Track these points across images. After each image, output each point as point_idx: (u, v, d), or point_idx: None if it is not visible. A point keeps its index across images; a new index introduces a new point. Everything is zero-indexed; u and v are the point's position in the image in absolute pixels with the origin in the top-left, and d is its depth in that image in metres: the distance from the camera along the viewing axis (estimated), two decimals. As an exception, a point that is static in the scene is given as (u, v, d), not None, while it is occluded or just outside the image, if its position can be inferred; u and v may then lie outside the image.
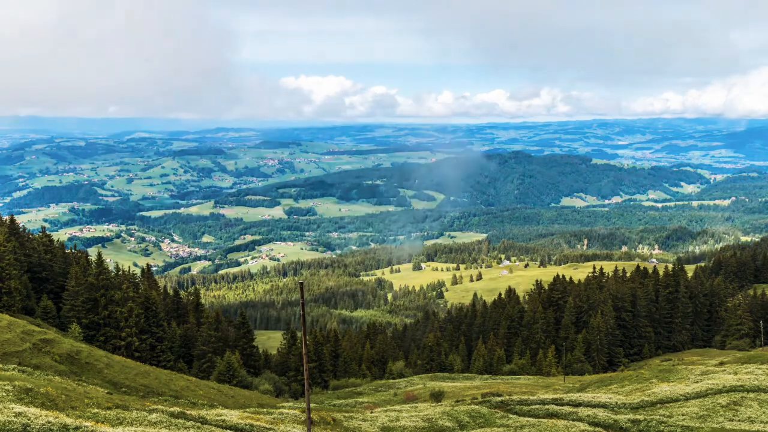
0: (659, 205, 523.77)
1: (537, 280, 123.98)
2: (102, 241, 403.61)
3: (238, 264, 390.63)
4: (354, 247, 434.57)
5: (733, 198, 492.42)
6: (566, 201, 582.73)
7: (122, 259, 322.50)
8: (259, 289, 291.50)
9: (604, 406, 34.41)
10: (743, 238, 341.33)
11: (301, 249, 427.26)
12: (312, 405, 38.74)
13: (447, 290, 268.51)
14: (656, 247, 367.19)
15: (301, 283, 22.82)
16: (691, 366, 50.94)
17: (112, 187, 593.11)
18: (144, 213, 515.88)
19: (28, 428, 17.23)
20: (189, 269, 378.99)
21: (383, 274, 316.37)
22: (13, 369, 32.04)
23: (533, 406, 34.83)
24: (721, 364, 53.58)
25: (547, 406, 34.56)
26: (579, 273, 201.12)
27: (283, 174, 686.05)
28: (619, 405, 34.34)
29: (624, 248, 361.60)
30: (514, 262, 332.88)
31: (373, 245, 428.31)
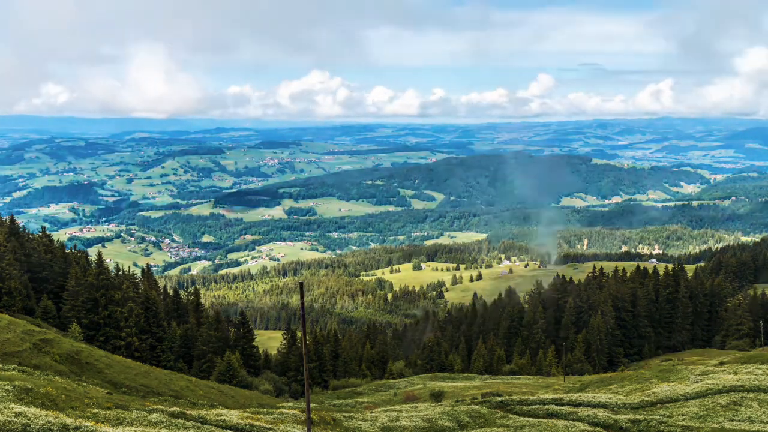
0: (659, 205, 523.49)
1: (537, 280, 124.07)
2: (102, 241, 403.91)
3: (238, 264, 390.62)
4: (354, 247, 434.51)
5: (733, 198, 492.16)
6: (566, 201, 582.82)
7: (122, 259, 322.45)
8: (259, 289, 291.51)
9: (604, 406, 34.40)
10: (743, 238, 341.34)
11: (301, 249, 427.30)
12: (312, 405, 38.74)
13: (447, 290, 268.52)
14: (656, 247, 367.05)
15: (301, 283, 22.85)
16: (691, 366, 50.92)
17: (112, 187, 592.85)
18: (144, 213, 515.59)
19: (28, 428, 17.22)
20: (189, 269, 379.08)
21: (383, 274, 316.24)
22: (13, 369, 32.03)
23: (533, 406, 34.82)
24: (721, 364, 53.55)
25: (547, 406, 34.55)
26: (579, 273, 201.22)
27: (283, 174, 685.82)
28: (619, 405, 34.33)
29: (624, 248, 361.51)
30: (514, 262, 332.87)
31: (373, 245, 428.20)
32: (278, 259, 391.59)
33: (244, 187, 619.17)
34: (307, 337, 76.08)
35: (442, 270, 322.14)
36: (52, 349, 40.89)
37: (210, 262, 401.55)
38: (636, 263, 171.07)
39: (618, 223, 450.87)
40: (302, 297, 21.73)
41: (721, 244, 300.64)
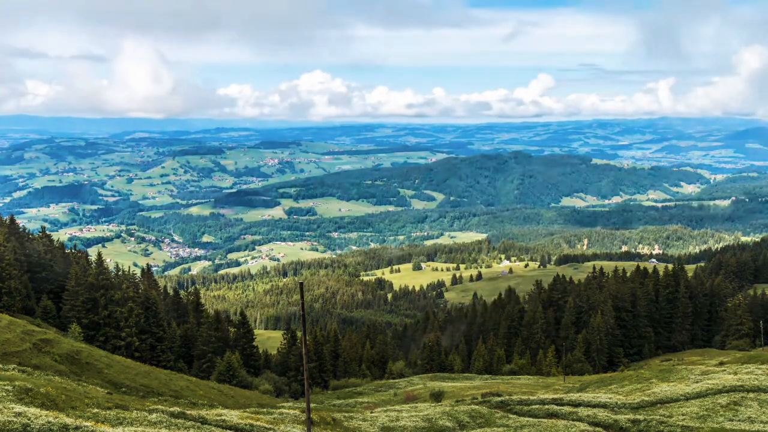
0: (659, 205, 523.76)
1: (537, 280, 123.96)
2: (102, 241, 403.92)
3: (238, 264, 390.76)
4: (354, 247, 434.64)
5: (733, 198, 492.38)
6: (566, 201, 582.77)
7: (122, 259, 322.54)
8: (259, 289, 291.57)
9: (604, 406, 34.41)
10: (743, 238, 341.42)
11: (301, 249, 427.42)
12: (312, 405, 38.75)
13: (447, 290, 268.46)
14: (656, 247, 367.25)
15: (301, 283, 22.85)
16: (691, 366, 50.95)
17: (112, 187, 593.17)
18: (144, 213, 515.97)
19: (28, 428, 17.22)
20: (189, 269, 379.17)
21: (383, 274, 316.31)
22: (13, 369, 32.05)
23: (533, 406, 34.83)
24: (721, 364, 53.59)
25: (547, 406, 34.56)
26: (579, 273, 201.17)
27: (283, 174, 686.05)
28: (619, 405, 34.33)
29: (624, 248, 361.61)
30: (514, 262, 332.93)
31: (373, 245, 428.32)
32: (278, 259, 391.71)
33: (244, 187, 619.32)
34: (307, 337, 76.05)
35: (442, 270, 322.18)
36: (52, 349, 40.91)
37: (210, 262, 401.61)
38: (636, 263, 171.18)
39: (618, 223, 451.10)
40: (302, 297, 21.73)
41: (721, 244, 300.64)
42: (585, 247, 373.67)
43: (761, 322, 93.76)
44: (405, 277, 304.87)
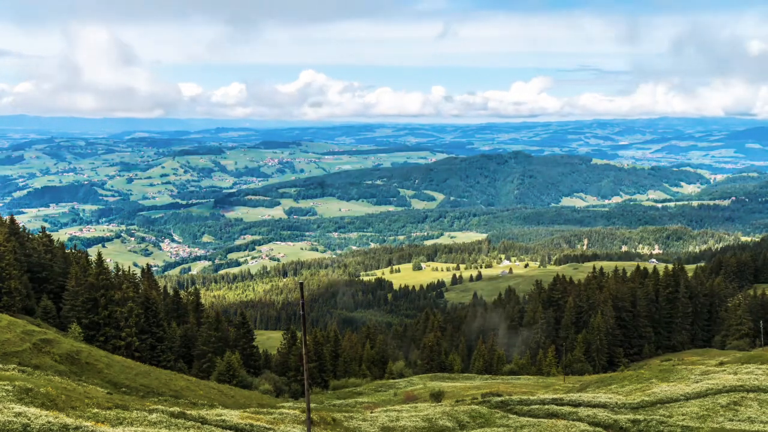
0: (659, 205, 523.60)
1: (537, 280, 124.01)
2: (102, 241, 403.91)
3: (238, 264, 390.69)
4: (354, 247, 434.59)
5: (733, 198, 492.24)
6: (566, 201, 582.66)
7: (122, 259, 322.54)
8: (259, 289, 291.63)
9: (604, 406, 34.39)
10: (743, 238, 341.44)
11: (301, 249, 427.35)
12: (312, 405, 38.76)
13: (447, 290, 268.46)
14: (656, 247, 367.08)
15: (301, 283, 22.86)
16: (691, 366, 50.95)
17: (112, 187, 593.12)
18: (144, 213, 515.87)
19: (28, 428, 17.22)
20: (189, 269, 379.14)
21: (383, 274, 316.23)
22: (13, 369, 32.05)
23: (533, 406, 34.82)
24: (721, 364, 53.55)
25: (547, 406, 34.56)
26: (579, 273, 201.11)
27: (283, 174, 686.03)
28: (619, 405, 34.32)
29: (624, 248, 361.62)
30: (514, 262, 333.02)
31: (373, 245, 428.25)
32: (278, 259, 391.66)
33: (244, 187, 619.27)
34: (307, 337, 75.96)
35: (442, 270, 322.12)
36: (52, 349, 40.91)
37: (210, 262, 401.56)
38: (636, 263, 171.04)
39: (618, 223, 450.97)
40: (302, 297, 21.71)
41: (721, 244, 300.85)
42: (585, 247, 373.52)
43: (761, 322, 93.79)
44: (405, 277, 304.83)
